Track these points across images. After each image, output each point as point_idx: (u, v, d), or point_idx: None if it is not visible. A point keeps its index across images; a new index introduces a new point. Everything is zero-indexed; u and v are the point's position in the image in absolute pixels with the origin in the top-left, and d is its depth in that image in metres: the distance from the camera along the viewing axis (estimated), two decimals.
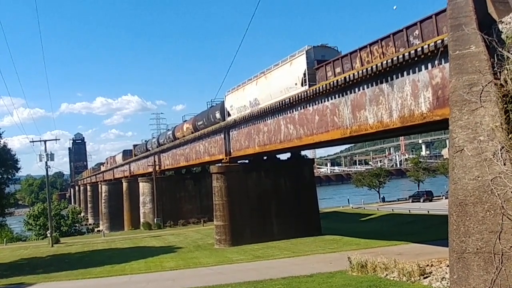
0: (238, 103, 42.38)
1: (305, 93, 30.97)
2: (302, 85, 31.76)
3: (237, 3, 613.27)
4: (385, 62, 23.39)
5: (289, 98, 32.91)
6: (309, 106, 31.63)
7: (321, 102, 30.37)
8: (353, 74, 25.85)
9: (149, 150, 78.91)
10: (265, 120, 37.91)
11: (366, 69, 24.73)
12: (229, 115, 44.35)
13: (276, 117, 36.10)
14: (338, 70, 28.27)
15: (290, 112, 34.13)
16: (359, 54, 26.26)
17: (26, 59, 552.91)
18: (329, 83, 28.21)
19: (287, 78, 34.04)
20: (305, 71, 31.51)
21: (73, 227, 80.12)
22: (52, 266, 38.30)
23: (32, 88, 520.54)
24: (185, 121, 63.04)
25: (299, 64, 32.45)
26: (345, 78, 26.69)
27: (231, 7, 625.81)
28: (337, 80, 27.41)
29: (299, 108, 32.89)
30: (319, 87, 29.46)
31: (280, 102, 34.06)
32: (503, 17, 15.48)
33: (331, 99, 29.18)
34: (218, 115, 47.23)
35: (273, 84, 36.06)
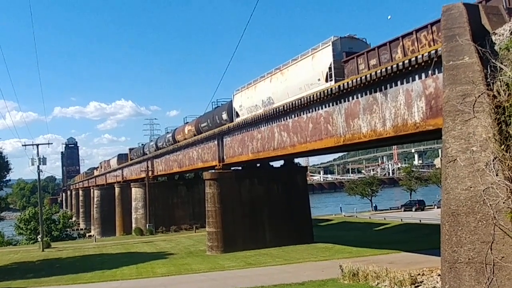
0: (248, 102, 39.07)
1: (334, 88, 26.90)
2: (326, 80, 28.25)
3: (234, 7, 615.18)
4: (379, 71, 23.49)
5: (311, 96, 29.29)
6: (303, 113, 31.61)
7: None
8: (347, 82, 25.90)
9: (146, 154, 77.65)
10: (259, 127, 37.90)
11: (360, 78, 24.79)
12: (237, 115, 41.15)
13: (270, 124, 36.10)
14: (373, 62, 24.73)
15: (284, 120, 34.14)
16: (401, 43, 23.00)
17: (19, 62, 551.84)
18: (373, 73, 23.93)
19: (308, 73, 30.51)
20: (330, 64, 27.92)
21: (64, 232, 79.46)
22: (42, 270, 37.98)
23: (25, 92, 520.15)
24: (187, 123, 58.98)
25: (323, 57, 28.85)
26: (339, 86, 26.55)
27: (228, 11, 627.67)
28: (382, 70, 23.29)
29: (293, 116, 32.86)
30: (354, 81, 25.61)
31: (299, 101, 30.70)
32: (496, 28, 15.64)
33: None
34: (225, 116, 43.99)
35: (291, 80, 32.52)
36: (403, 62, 21.89)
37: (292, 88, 32.34)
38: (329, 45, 28.29)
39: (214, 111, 48.43)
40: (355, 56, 26.48)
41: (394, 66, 22.42)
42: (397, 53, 23.28)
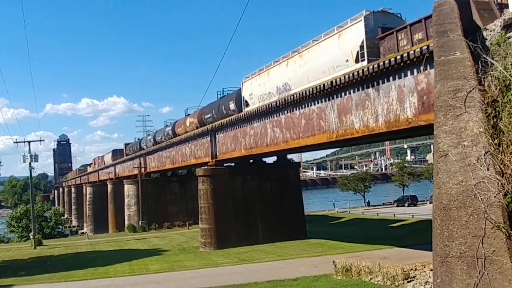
0: (260, 90, 35.75)
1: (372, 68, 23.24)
2: (357, 61, 24.69)
3: (228, 5, 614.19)
4: (371, 67, 23.49)
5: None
6: (296, 109, 31.60)
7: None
8: (339, 78, 25.88)
9: (143, 149, 76.47)
10: (251, 123, 37.88)
11: (353, 73, 24.75)
12: (247, 105, 37.94)
13: (262, 120, 36.09)
14: (419, 36, 21.30)
15: (276, 116, 34.13)
16: None
17: (10, 58, 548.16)
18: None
19: (333, 54, 26.80)
20: (362, 42, 24.19)
21: (56, 229, 79.12)
22: (34, 268, 37.76)
23: (16, 88, 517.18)
24: (188, 115, 55.61)
25: (353, 35, 25.06)
26: (331, 82, 26.50)
27: (221, 8, 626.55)
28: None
29: (285, 112, 32.85)
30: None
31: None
32: (487, 24, 15.72)
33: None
34: (232, 106, 40.60)
35: (313, 63, 28.81)
36: (395, 58, 21.92)
37: (313, 71, 28.69)
38: (361, 20, 24.45)
39: (220, 100, 45.18)
40: (394, 31, 22.85)
41: (386, 62, 22.43)
42: None
